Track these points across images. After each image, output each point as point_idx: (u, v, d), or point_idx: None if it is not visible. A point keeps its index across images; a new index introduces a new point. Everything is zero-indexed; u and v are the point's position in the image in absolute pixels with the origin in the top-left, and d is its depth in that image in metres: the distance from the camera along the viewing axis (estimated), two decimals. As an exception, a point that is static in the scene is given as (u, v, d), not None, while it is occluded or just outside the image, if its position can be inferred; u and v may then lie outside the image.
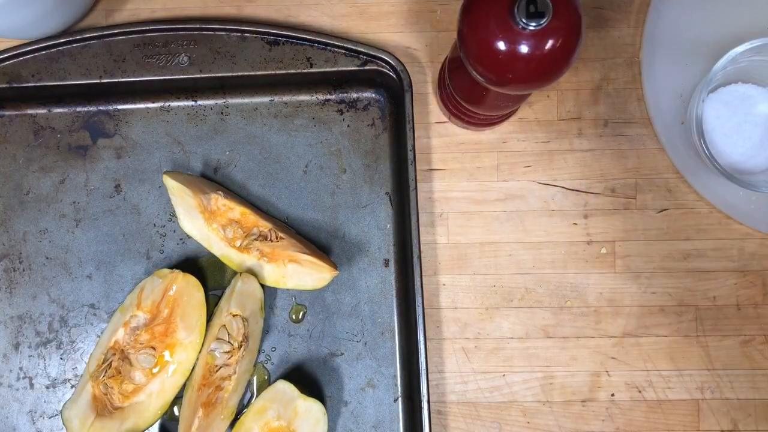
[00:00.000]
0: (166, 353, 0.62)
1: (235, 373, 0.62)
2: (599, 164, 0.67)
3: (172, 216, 0.66)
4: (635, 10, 0.68)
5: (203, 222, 0.63)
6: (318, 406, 0.61)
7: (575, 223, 0.67)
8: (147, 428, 0.62)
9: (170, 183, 0.62)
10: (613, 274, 0.67)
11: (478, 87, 0.55)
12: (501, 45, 0.46)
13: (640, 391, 0.66)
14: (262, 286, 0.64)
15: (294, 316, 0.66)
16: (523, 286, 0.67)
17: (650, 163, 0.67)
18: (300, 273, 0.63)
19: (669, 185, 0.67)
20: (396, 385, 0.65)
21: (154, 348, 0.62)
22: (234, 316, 0.61)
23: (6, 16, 0.59)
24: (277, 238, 0.63)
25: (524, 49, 0.46)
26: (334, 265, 0.63)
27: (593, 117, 0.68)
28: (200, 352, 0.62)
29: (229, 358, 0.61)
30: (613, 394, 0.66)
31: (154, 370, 0.62)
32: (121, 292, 0.66)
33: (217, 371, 0.61)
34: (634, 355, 0.66)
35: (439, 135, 0.68)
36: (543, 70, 0.47)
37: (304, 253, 0.62)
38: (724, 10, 0.66)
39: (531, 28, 0.45)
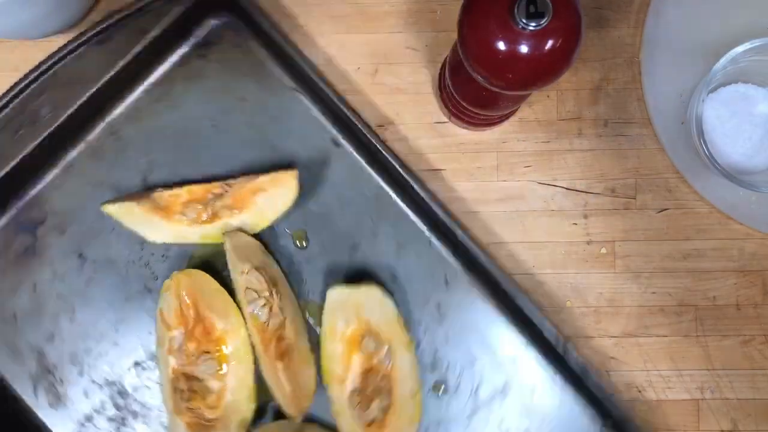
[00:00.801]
0: (222, 348, 0.62)
1: (285, 317, 0.62)
2: (599, 164, 0.67)
3: (142, 243, 0.65)
4: (635, 10, 0.68)
5: (164, 222, 0.63)
6: (374, 287, 0.61)
7: (575, 223, 0.67)
8: (252, 417, 0.62)
9: (112, 209, 0.63)
10: (613, 274, 0.67)
11: (478, 87, 0.55)
12: (501, 45, 0.46)
13: (640, 391, 0.66)
14: (256, 235, 0.64)
15: (299, 243, 0.66)
16: (524, 287, 0.67)
17: (650, 163, 0.67)
18: (270, 197, 0.63)
19: (669, 185, 0.67)
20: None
21: (207, 352, 0.61)
22: (246, 272, 0.61)
23: (5, 16, 0.59)
24: (229, 186, 0.63)
25: (524, 49, 0.46)
26: (291, 167, 0.63)
27: (593, 117, 0.68)
28: (246, 325, 0.62)
29: (271, 309, 0.61)
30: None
31: (222, 371, 0.62)
32: (149, 333, 0.65)
33: (269, 327, 0.61)
34: (634, 355, 0.66)
35: (439, 135, 0.68)
36: (543, 71, 0.47)
37: (258, 176, 0.63)
38: (725, 10, 0.66)
39: (531, 28, 0.45)
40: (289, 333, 0.62)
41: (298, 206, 0.65)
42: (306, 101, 0.66)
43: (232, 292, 0.63)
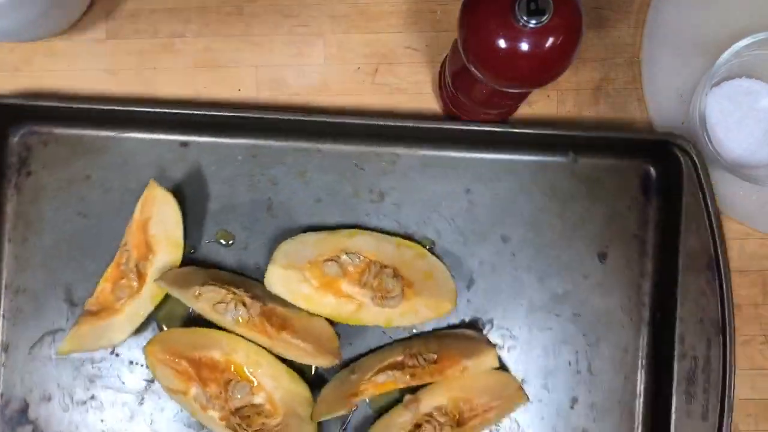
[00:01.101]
0: (237, 366, 0.61)
1: (262, 300, 0.62)
2: (599, 164, 0.67)
3: (111, 351, 0.65)
4: (635, 10, 0.68)
5: (113, 318, 0.63)
6: (280, 244, 0.62)
7: (575, 223, 0.67)
8: (310, 393, 0.62)
9: (66, 349, 0.62)
10: (613, 273, 0.67)
11: (479, 85, 0.55)
12: (501, 43, 0.46)
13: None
14: (189, 262, 0.64)
15: (226, 242, 0.65)
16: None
17: (650, 163, 0.67)
18: (158, 219, 0.63)
19: (669, 185, 0.67)
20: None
21: (229, 380, 0.61)
22: (199, 293, 0.61)
23: (2, 16, 0.58)
24: (125, 245, 0.63)
25: (525, 46, 0.46)
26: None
27: (593, 117, 0.68)
28: (236, 334, 0.62)
29: (244, 304, 0.61)
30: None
31: (255, 383, 0.61)
32: (181, 411, 0.64)
33: (254, 317, 0.61)
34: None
35: (439, 135, 0.68)
36: (544, 68, 0.47)
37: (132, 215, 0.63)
38: (725, 10, 0.66)
39: (531, 25, 0.45)
40: (274, 308, 0.62)
41: (201, 215, 0.66)
42: (133, 134, 0.66)
43: (207, 322, 0.63)
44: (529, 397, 0.63)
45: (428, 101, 0.67)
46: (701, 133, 0.61)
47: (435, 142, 0.66)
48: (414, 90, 0.67)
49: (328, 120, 0.64)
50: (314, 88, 0.67)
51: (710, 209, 0.62)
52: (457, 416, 0.61)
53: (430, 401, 0.61)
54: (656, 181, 0.66)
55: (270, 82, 0.67)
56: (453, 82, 0.60)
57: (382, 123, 0.64)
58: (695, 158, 0.62)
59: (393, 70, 0.68)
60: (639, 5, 0.68)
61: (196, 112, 0.64)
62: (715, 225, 0.62)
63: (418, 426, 0.61)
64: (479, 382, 0.62)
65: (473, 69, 0.49)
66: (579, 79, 0.68)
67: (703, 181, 0.62)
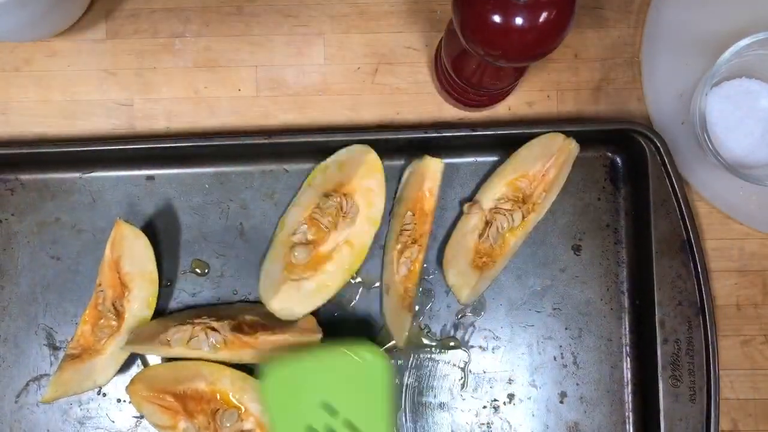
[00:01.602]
0: (222, 396, 0.61)
1: (234, 318, 0.62)
2: (599, 164, 0.68)
3: (98, 391, 0.65)
4: (635, 10, 0.68)
5: (95, 359, 0.62)
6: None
7: (575, 223, 0.67)
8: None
9: (51, 396, 0.61)
10: (613, 273, 0.67)
11: (474, 64, 0.56)
12: (496, 17, 0.46)
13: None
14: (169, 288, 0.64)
15: (202, 270, 0.66)
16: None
17: (650, 163, 0.67)
18: (129, 256, 0.62)
19: (669, 185, 0.67)
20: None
21: (216, 410, 0.61)
22: (170, 339, 0.60)
23: (3, 16, 0.58)
24: (99, 285, 0.63)
25: (519, 21, 0.46)
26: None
27: (593, 117, 0.68)
28: (224, 360, 0.62)
29: (220, 330, 0.61)
30: (613, 394, 0.66)
31: (242, 410, 0.61)
32: None
33: (233, 335, 0.61)
34: (634, 355, 0.66)
35: (439, 135, 0.68)
36: (537, 42, 0.48)
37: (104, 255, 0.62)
38: (725, 10, 0.66)
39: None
40: (243, 318, 0.62)
41: (174, 247, 0.66)
42: (98, 173, 0.66)
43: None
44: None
45: (429, 101, 0.67)
46: (701, 133, 0.61)
47: (398, 152, 0.66)
48: (414, 90, 0.67)
49: (290, 140, 0.64)
50: (314, 88, 0.67)
51: (678, 192, 0.62)
52: (521, 195, 0.62)
53: (489, 197, 0.63)
54: (623, 170, 0.66)
55: (270, 82, 0.67)
56: (449, 63, 0.60)
57: (344, 138, 0.64)
58: (658, 143, 0.62)
59: (393, 70, 0.68)
60: (639, 5, 0.68)
61: (156, 145, 0.64)
62: (684, 208, 0.62)
63: (488, 223, 0.62)
64: (524, 155, 0.63)
65: (467, 44, 0.50)
66: (579, 79, 0.68)
67: (668, 165, 0.62)
